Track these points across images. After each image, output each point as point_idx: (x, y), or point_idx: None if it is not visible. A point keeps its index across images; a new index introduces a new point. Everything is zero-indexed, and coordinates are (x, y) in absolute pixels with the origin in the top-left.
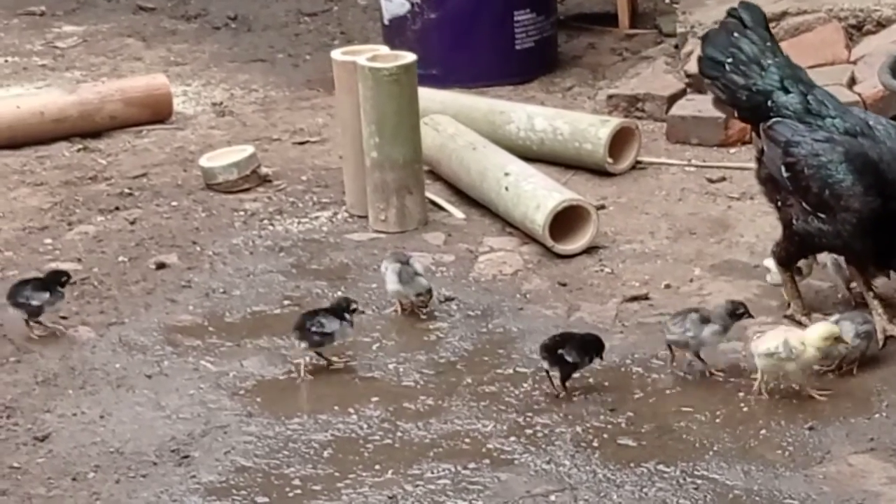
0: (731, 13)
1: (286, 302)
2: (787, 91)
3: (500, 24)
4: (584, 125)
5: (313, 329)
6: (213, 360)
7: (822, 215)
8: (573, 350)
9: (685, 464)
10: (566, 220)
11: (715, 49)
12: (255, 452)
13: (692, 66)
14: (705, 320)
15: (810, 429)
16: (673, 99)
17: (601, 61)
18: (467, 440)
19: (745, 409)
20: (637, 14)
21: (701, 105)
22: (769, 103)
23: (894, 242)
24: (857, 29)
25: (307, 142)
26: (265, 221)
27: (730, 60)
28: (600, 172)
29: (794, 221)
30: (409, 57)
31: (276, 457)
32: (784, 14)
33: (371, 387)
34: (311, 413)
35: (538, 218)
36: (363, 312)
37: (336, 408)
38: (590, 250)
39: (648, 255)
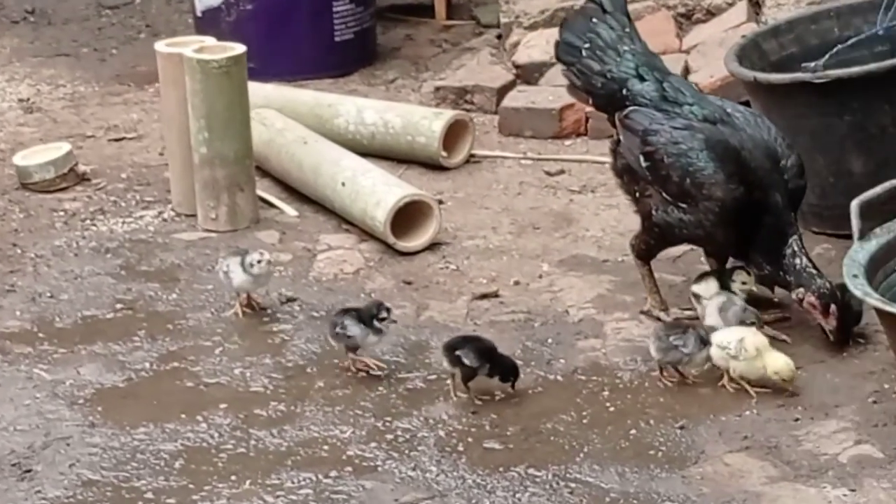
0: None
1: (119, 305)
2: (642, 79)
3: (319, 15)
4: (416, 118)
5: (338, 331)
6: (47, 367)
7: (683, 205)
8: (471, 353)
9: (556, 467)
10: (407, 216)
11: (572, 34)
12: (101, 465)
13: (520, 57)
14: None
15: (681, 428)
16: (503, 91)
17: (421, 53)
18: (325, 447)
19: (612, 408)
20: (452, 5)
21: (534, 96)
22: (624, 91)
23: (755, 232)
24: (687, 17)
25: (123, 138)
26: (87, 222)
27: (587, 46)
28: (434, 167)
29: (653, 213)
30: (239, 48)
31: (124, 469)
32: None
33: (218, 393)
34: (157, 422)
35: (379, 214)
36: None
37: (183, 416)
38: (432, 247)
39: (493, 250)
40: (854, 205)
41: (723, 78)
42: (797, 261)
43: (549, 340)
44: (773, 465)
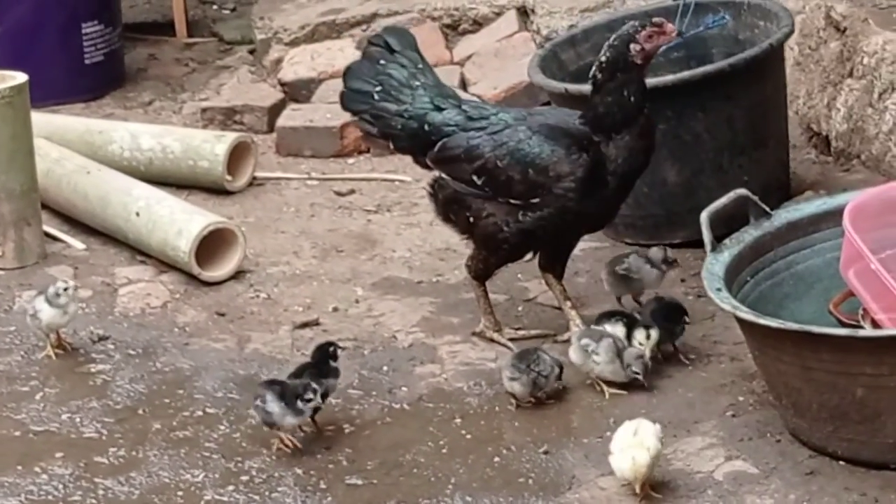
0: (373, 42)
1: None
2: (440, 109)
3: (68, 36)
4: (197, 142)
5: (257, 404)
6: None
7: (536, 200)
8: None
9: (428, 500)
10: (208, 244)
11: (359, 80)
12: None
13: (286, 75)
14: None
15: (545, 453)
16: (274, 110)
17: (171, 73)
18: (180, 493)
19: (468, 436)
20: (191, 23)
21: (310, 115)
22: (426, 127)
23: (611, 197)
24: (453, 28)
25: None
26: None
27: (378, 89)
28: (217, 191)
29: (503, 229)
30: (20, 76)
31: None
32: (374, 16)
33: (50, 441)
34: None
35: (182, 244)
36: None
37: (19, 467)
38: (237, 275)
39: (300, 276)
40: (704, 217)
41: (507, 89)
42: None
43: (385, 368)
44: (650, 486)
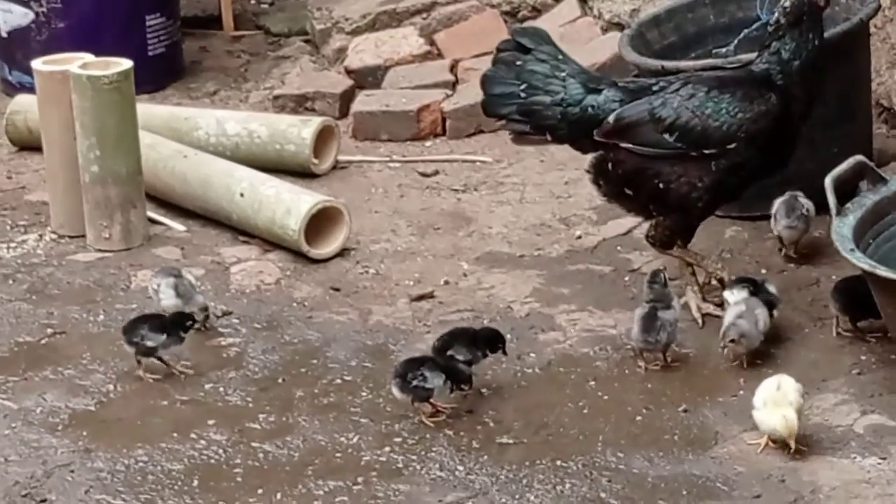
0: (502, 47)
1: (49, 330)
2: (598, 90)
3: (131, 29)
4: (283, 126)
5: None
6: (8, 396)
7: (733, 145)
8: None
9: (581, 457)
10: (313, 223)
11: (499, 84)
12: (116, 488)
13: (352, 62)
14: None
15: (685, 411)
16: (345, 96)
17: (225, 64)
18: (338, 455)
19: (605, 397)
20: (237, 16)
21: (385, 100)
22: (589, 109)
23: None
24: (513, 15)
25: None
26: None
27: (523, 87)
28: (303, 174)
29: (696, 185)
30: (126, 63)
31: (142, 490)
32: (434, 4)
33: (198, 410)
34: (151, 442)
35: (291, 223)
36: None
37: (175, 434)
38: (342, 253)
39: (403, 253)
40: (828, 181)
41: None
42: None
43: (508, 336)
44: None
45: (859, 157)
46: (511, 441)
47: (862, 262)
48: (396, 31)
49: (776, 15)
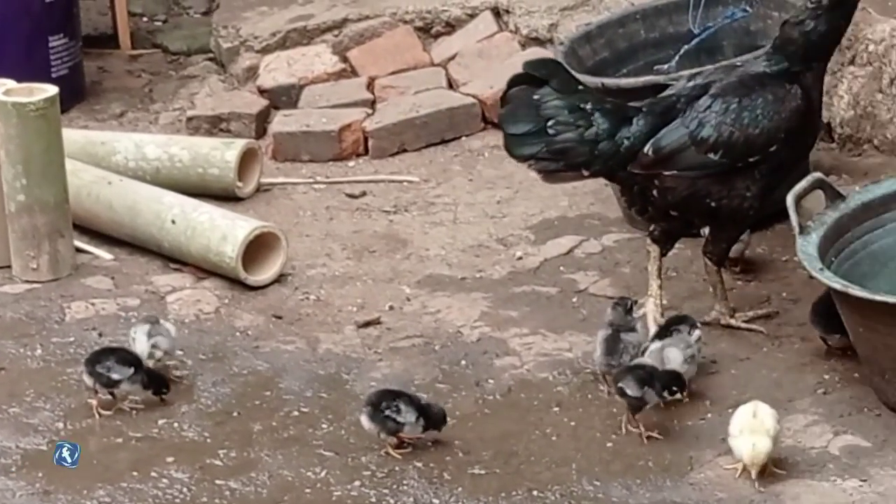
0: (515, 81)
1: None
2: (627, 119)
3: (35, 50)
4: (205, 149)
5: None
6: None
7: (774, 147)
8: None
9: (558, 486)
10: (248, 249)
11: (520, 123)
12: None
13: (265, 82)
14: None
15: (656, 436)
16: (261, 116)
17: (127, 84)
18: (308, 491)
19: (572, 423)
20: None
21: (305, 119)
22: (625, 141)
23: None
24: (426, 31)
25: None
26: None
27: (551, 123)
28: (226, 198)
29: (746, 195)
30: (51, 89)
31: None
32: (345, 21)
33: (157, 446)
34: (111, 482)
35: (227, 250)
36: None
37: (136, 473)
38: (279, 279)
39: (342, 277)
40: (789, 200)
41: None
42: None
43: (463, 362)
44: (771, 463)
45: (817, 175)
46: (483, 471)
47: (833, 281)
48: (308, 48)
49: None
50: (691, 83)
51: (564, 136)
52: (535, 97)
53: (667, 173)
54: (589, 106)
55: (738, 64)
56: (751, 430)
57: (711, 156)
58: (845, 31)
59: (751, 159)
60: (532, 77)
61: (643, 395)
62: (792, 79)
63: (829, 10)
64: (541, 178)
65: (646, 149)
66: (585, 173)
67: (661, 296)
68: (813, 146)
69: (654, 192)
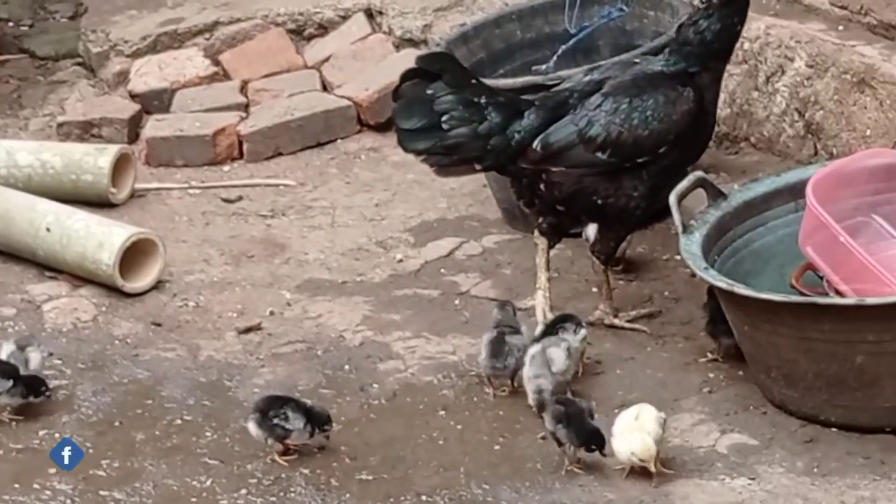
0: (406, 78)
1: None
2: (520, 113)
3: None
4: (78, 156)
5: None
6: None
7: (664, 149)
8: None
9: (447, 490)
10: (125, 256)
11: (413, 118)
12: None
13: (137, 86)
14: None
15: (542, 438)
16: (133, 121)
17: None
18: (194, 499)
19: (458, 426)
20: None
21: (178, 123)
22: (516, 136)
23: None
24: (298, 33)
25: None
26: None
27: (445, 118)
28: (101, 205)
29: (633, 195)
30: None
31: None
32: (216, 24)
33: (38, 458)
34: None
35: (104, 257)
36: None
37: (17, 486)
38: (157, 286)
39: (220, 283)
40: (672, 199)
41: (380, 89)
42: None
43: (346, 367)
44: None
45: (699, 173)
46: (371, 477)
47: (718, 280)
48: (179, 52)
49: None
50: (587, 78)
51: (458, 130)
52: (429, 92)
53: (554, 169)
54: (483, 100)
55: (637, 61)
56: (631, 431)
57: (599, 154)
58: (741, 29)
59: (639, 160)
60: (424, 72)
61: (556, 431)
62: (686, 80)
63: (721, 7)
64: (433, 171)
65: (535, 144)
66: (478, 167)
67: (549, 288)
68: (704, 149)
69: (542, 187)
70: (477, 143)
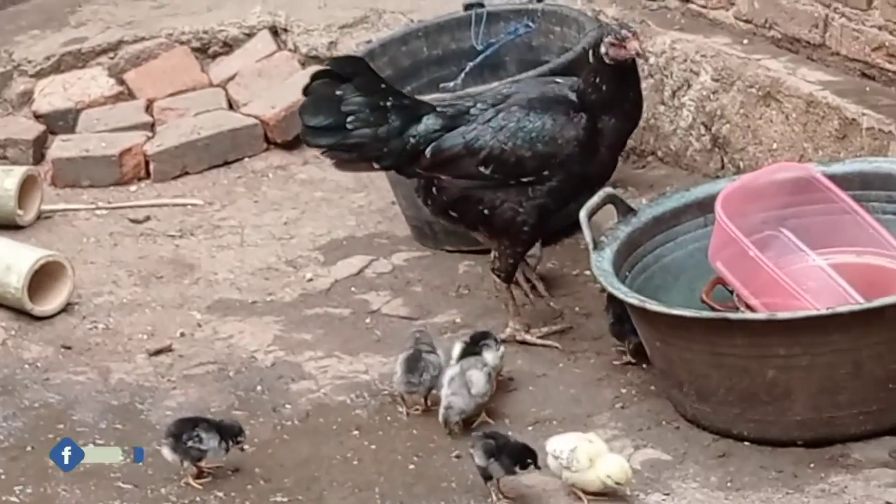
0: (318, 76)
1: None
2: (419, 118)
3: None
4: None
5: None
6: None
7: (547, 172)
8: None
9: None
10: (33, 278)
11: (319, 115)
12: None
13: (41, 106)
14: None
15: (457, 457)
16: (38, 142)
17: None
18: None
19: (372, 446)
20: None
21: (84, 144)
22: (412, 140)
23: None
24: (203, 52)
25: None
26: None
27: (351, 119)
28: (7, 226)
29: (519, 211)
30: None
31: None
32: (120, 43)
33: None
34: None
35: (12, 280)
36: None
37: None
38: (66, 309)
39: (130, 305)
40: (582, 215)
41: (287, 107)
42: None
43: (258, 388)
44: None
45: (608, 190)
46: (285, 499)
47: (630, 297)
48: (84, 71)
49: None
50: (503, 90)
51: (361, 131)
52: (338, 92)
53: (443, 177)
54: (388, 103)
55: (559, 81)
56: (597, 454)
57: (482, 169)
58: (637, 86)
59: (523, 179)
60: (335, 73)
61: (488, 466)
62: (580, 108)
63: (585, 66)
64: (333, 164)
65: (427, 151)
66: (376, 166)
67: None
68: (598, 184)
69: (434, 190)
70: (377, 145)
